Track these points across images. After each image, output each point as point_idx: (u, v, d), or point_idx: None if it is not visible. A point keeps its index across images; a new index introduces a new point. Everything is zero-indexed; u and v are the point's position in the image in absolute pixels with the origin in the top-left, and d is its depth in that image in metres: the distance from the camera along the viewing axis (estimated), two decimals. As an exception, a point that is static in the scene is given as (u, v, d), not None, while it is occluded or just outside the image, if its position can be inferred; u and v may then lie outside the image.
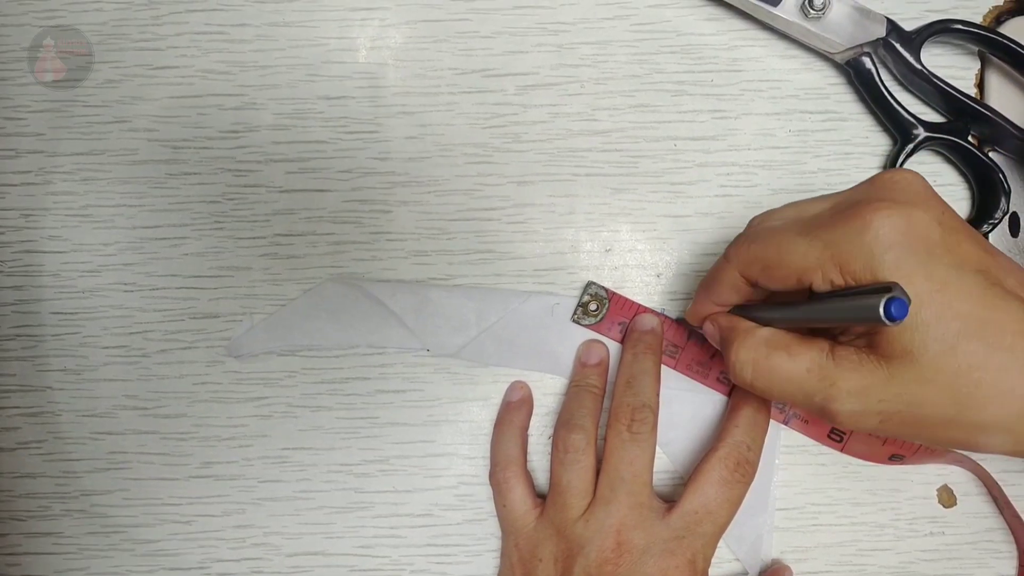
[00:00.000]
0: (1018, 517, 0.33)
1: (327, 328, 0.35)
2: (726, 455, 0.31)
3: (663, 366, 0.34)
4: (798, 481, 0.35)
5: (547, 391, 0.35)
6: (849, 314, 0.23)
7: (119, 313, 0.35)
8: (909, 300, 0.21)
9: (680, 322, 0.34)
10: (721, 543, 0.33)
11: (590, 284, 0.35)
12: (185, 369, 0.35)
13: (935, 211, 0.24)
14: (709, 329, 0.30)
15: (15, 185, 0.35)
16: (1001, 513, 0.34)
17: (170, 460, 0.35)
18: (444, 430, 0.35)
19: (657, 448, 0.32)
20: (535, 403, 0.35)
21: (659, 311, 0.34)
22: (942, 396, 0.23)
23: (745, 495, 0.31)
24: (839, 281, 0.24)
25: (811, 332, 0.26)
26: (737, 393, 0.33)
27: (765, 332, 0.26)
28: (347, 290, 0.35)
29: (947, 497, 0.35)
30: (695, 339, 0.34)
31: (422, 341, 0.34)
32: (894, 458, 0.34)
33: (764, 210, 0.28)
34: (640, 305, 0.34)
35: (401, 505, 0.35)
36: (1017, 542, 0.34)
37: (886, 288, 0.21)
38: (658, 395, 0.32)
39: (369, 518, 0.35)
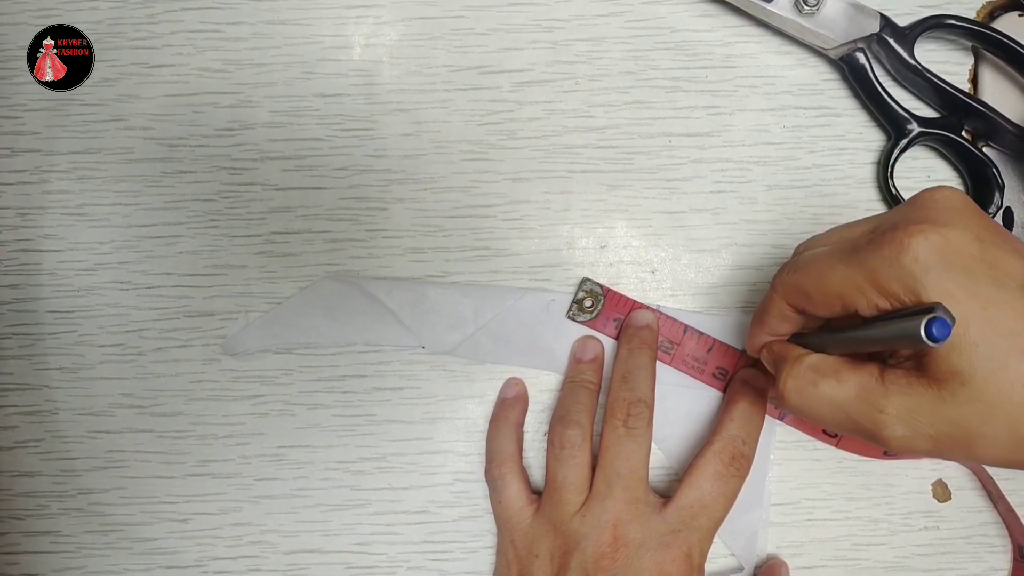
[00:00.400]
0: (1012, 511, 0.33)
1: (323, 325, 0.35)
2: (721, 449, 0.31)
3: (659, 362, 0.34)
4: (793, 476, 0.35)
5: (543, 387, 0.35)
6: (893, 337, 0.23)
7: (115, 311, 0.35)
8: (953, 320, 0.21)
9: (675, 321, 0.34)
10: (716, 538, 0.33)
11: (585, 280, 0.35)
12: (181, 367, 0.35)
13: (974, 228, 0.23)
14: (765, 357, 0.29)
15: (11, 184, 0.35)
16: (995, 507, 0.34)
17: (167, 458, 0.35)
18: (441, 427, 0.35)
19: (653, 444, 0.32)
20: (531, 399, 0.35)
21: (654, 308, 0.34)
22: (994, 415, 0.22)
23: (740, 489, 0.31)
24: (884, 305, 0.23)
25: (863, 357, 0.26)
26: (733, 387, 0.33)
27: (814, 358, 0.26)
28: (343, 287, 0.35)
29: (941, 492, 0.35)
30: (691, 335, 0.34)
31: (418, 338, 0.34)
32: (888, 453, 0.34)
33: (806, 237, 0.28)
34: (635, 301, 0.34)
35: (398, 502, 0.35)
36: (1011, 536, 0.34)
37: (928, 309, 0.21)
38: (653, 390, 0.33)
39: (366, 515, 0.35)
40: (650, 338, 0.34)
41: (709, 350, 0.34)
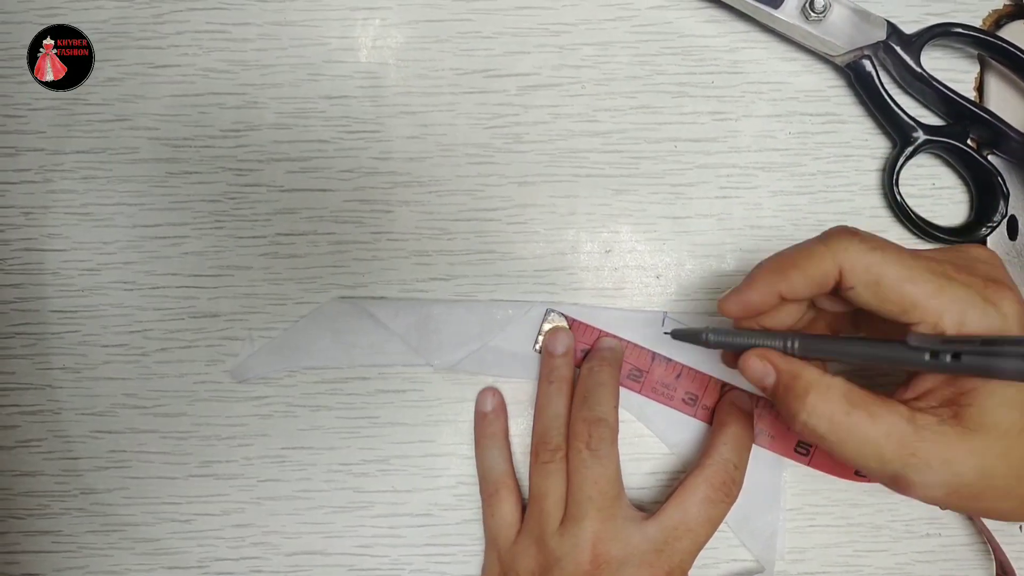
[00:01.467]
0: (986, 529, 0.33)
1: (331, 348, 0.35)
2: (712, 474, 0.31)
3: (629, 391, 0.34)
4: (795, 482, 0.35)
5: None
6: (1001, 370, 0.22)
7: (119, 311, 0.35)
8: None
9: (642, 348, 0.34)
10: (735, 541, 0.34)
11: (549, 312, 0.34)
12: (185, 368, 0.35)
13: None
14: (757, 368, 0.26)
15: (15, 183, 0.35)
16: (974, 524, 0.34)
17: (170, 459, 0.35)
18: (444, 430, 0.35)
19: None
20: (527, 408, 0.35)
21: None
22: (1012, 470, 0.23)
23: (727, 514, 0.31)
24: (951, 331, 0.23)
25: (884, 392, 0.25)
26: (722, 409, 0.33)
27: (842, 385, 0.25)
28: (350, 309, 0.35)
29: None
30: (659, 362, 0.34)
31: (425, 358, 0.34)
32: (860, 472, 0.34)
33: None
34: (601, 331, 0.34)
35: (400, 505, 0.35)
36: (994, 553, 0.34)
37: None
38: (616, 408, 0.32)
39: (368, 518, 0.35)
40: (611, 356, 0.33)
41: (678, 376, 0.34)
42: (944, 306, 0.23)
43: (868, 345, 0.25)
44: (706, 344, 0.28)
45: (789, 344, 0.27)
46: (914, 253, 0.25)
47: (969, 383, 0.24)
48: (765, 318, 0.28)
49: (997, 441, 0.23)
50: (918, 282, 0.24)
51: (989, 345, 0.22)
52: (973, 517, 0.34)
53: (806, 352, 0.26)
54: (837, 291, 0.25)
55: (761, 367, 0.26)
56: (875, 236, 0.25)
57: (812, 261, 0.25)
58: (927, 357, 0.23)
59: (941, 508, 0.26)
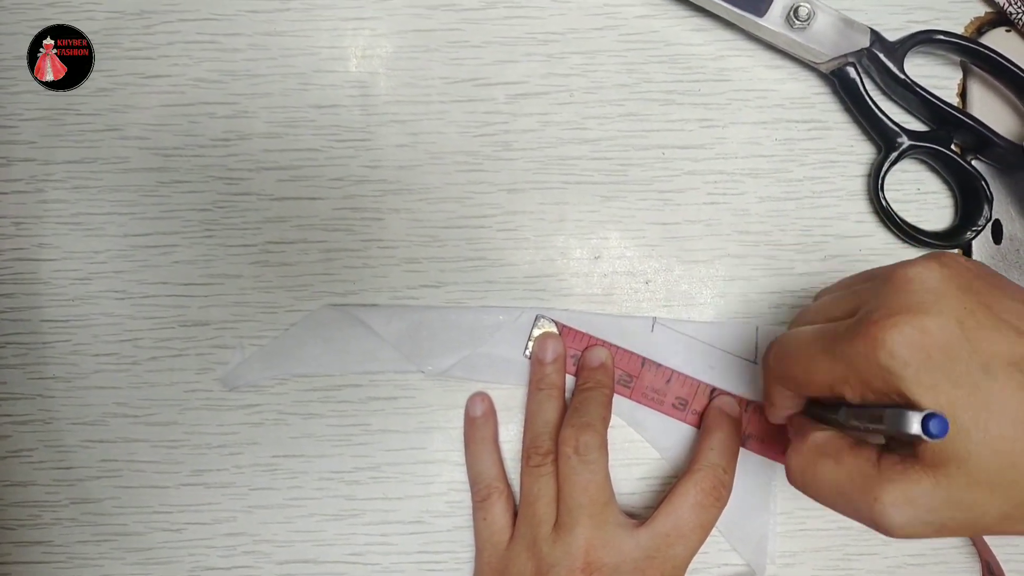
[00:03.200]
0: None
1: (322, 356, 0.35)
2: (702, 478, 0.31)
3: (619, 396, 0.34)
4: (786, 486, 0.35)
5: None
6: (892, 429, 0.22)
7: (110, 321, 0.35)
8: (945, 418, 0.21)
9: (632, 354, 0.34)
10: (726, 545, 0.34)
11: (539, 318, 0.35)
12: (175, 376, 0.35)
13: (954, 309, 0.22)
14: (789, 428, 0.30)
15: (6, 193, 0.35)
16: None
17: (161, 468, 0.35)
18: (435, 437, 0.35)
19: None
20: (518, 414, 0.35)
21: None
22: (993, 496, 0.22)
23: (718, 518, 0.31)
24: (869, 397, 0.23)
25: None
26: (710, 415, 0.34)
27: (820, 437, 0.25)
28: (341, 316, 0.35)
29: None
30: (648, 367, 0.34)
31: (416, 364, 0.35)
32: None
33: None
34: (591, 337, 0.35)
35: (392, 512, 0.35)
36: (979, 552, 0.34)
37: (898, 427, 0.21)
38: (605, 419, 0.33)
39: (360, 525, 0.35)
40: (605, 378, 0.34)
41: (667, 381, 0.34)
42: (843, 375, 0.23)
43: (850, 414, 0.25)
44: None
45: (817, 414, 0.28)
46: (827, 315, 0.26)
47: None
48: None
49: (959, 473, 0.22)
50: (815, 369, 0.24)
51: (876, 410, 0.22)
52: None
53: (840, 423, 0.26)
54: None
55: (789, 427, 0.29)
56: (792, 324, 0.27)
57: (771, 391, 0.28)
58: (854, 425, 0.24)
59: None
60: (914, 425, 0.21)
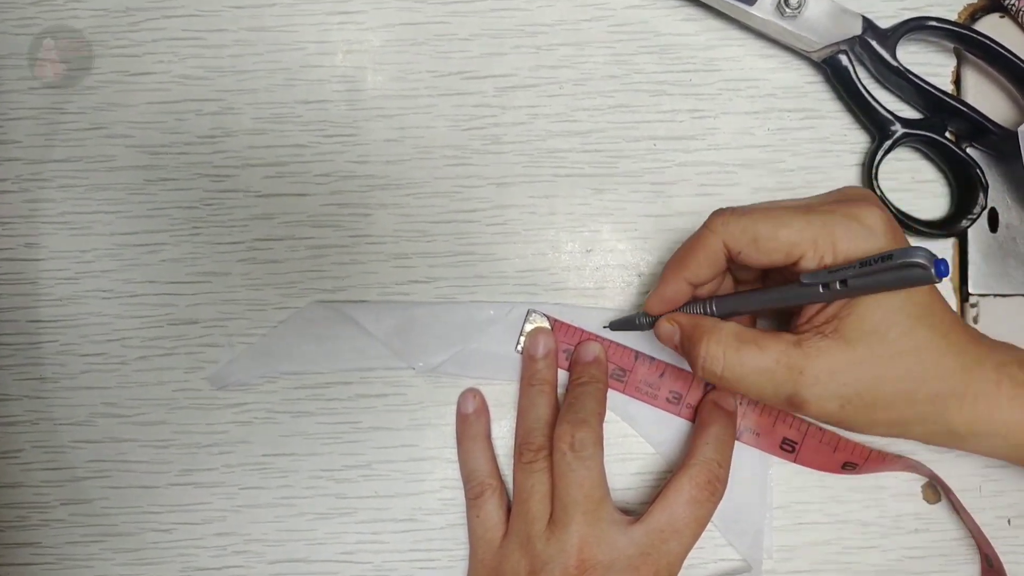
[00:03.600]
0: (974, 521, 0.33)
1: (312, 353, 0.34)
2: (697, 473, 0.31)
3: (612, 390, 0.34)
4: (783, 479, 0.34)
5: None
6: (884, 283, 0.24)
7: (98, 320, 0.35)
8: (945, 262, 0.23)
9: (625, 348, 0.34)
10: (722, 540, 0.33)
11: (531, 312, 0.34)
12: (164, 376, 0.35)
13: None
14: (667, 329, 0.30)
15: (-8, 193, 0.35)
16: (960, 518, 0.34)
17: (150, 468, 0.34)
18: (427, 434, 0.35)
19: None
20: (510, 410, 0.34)
21: (602, 337, 0.34)
22: (900, 372, 0.25)
23: (713, 513, 0.31)
24: (828, 260, 0.26)
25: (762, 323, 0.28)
26: (704, 409, 0.33)
27: (733, 327, 0.28)
28: (330, 313, 0.34)
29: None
30: (642, 361, 0.34)
31: (407, 361, 0.34)
32: (847, 466, 0.33)
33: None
34: (584, 331, 0.34)
35: (384, 510, 0.34)
36: (978, 545, 0.34)
37: (907, 258, 0.23)
38: (600, 415, 0.32)
39: (352, 524, 0.34)
40: (599, 373, 0.33)
41: (661, 375, 0.34)
42: (815, 234, 0.26)
43: (772, 292, 0.28)
44: (641, 327, 0.31)
45: (708, 307, 0.29)
46: (782, 203, 0.28)
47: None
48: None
49: (881, 346, 0.25)
50: (787, 224, 0.26)
51: (866, 266, 0.24)
52: (959, 510, 0.34)
53: (723, 310, 0.29)
54: (733, 262, 0.28)
55: (669, 328, 0.30)
56: (747, 205, 0.28)
57: (701, 245, 0.28)
58: (821, 290, 0.26)
59: (841, 427, 0.27)
60: (925, 263, 0.23)
